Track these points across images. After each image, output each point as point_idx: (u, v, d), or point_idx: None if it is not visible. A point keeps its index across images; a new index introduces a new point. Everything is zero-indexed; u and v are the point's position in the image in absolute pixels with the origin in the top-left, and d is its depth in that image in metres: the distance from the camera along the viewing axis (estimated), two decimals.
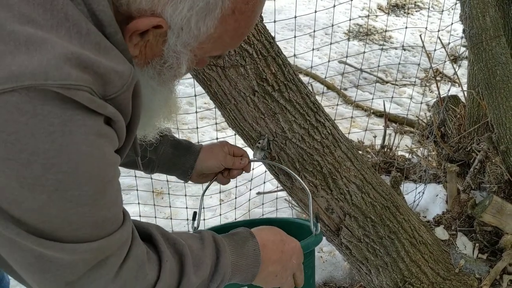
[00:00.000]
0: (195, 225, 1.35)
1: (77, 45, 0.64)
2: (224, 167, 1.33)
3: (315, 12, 2.24)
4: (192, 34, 0.76)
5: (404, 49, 5.31)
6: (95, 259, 0.71)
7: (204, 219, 2.43)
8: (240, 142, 2.68)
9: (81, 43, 0.64)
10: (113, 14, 0.71)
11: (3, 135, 0.59)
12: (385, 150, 2.91)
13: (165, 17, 0.73)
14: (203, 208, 1.43)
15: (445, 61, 3.07)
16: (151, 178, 2.59)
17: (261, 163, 1.50)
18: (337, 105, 3.24)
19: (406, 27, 2.75)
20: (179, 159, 1.29)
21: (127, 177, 2.84)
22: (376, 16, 6.26)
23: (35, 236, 0.64)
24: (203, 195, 1.41)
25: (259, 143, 1.46)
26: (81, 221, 0.67)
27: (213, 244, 0.91)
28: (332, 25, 2.50)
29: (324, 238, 1.72)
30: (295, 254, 1.05)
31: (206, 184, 1.42)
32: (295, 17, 2.07)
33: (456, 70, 2.48)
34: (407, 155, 3.04)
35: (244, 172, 1.36)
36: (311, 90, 1.61)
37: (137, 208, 2.55)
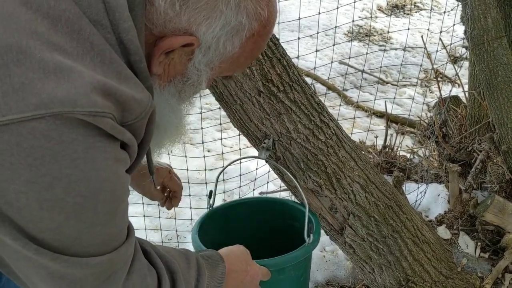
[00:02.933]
0: (211, 202, 1.50)
1: (101, 73, 0.66)
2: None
3: (319, 14, 2.26)
4: (218, 52, 0.79)
5: (404, 50, 5.33)
6: (105, 273, 0.73)
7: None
8: (243, 142, 2.70)
9: (103, 71, 0.67)
10: (144, 39, 0.74)
11: (29, 159, 0.61)
12: (387, 150, 2.93)
13: (198, 35, 0.75)
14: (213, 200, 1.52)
15: (446, 62, 3.09)
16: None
17: (265, 162, 1.53)
18: (340, 105, 3.26)
19: (408, 28, 2.77)
20: None
21: None
22: (376, 17, 6.28)
23: (50, 251, 0.67)
24: (218, 176, 1.52)
25: (264, 143, 1.48)
26: (92, 239, 0.70)
27: (196, 266, 0.96)
28: (336, 27, 2.52)
29: (327, 237, 1.74)
30: (254, 284, 1.14)
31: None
32: (299, 18, 2.09)
33: (458, 71, 2.50)
34: (408, 155, 3.06)
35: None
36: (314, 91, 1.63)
37: (141, 208, 2.56)
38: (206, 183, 2.59)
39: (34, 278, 0.70)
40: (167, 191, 1.41)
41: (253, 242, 1.54)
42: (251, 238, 1.58)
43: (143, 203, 2.54)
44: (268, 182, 2.71)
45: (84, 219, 0.67)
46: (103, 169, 0.66)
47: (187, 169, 2.53)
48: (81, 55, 0.66)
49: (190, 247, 2.49)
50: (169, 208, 1.43)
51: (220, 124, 2.79)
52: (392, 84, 4.71)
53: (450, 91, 2.50)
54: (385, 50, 5.29)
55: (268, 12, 0.79)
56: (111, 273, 0.74)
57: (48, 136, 0.61)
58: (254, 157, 1.53)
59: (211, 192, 1.51)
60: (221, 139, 2.77)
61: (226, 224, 1.57)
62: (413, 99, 3.47)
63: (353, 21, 2.83)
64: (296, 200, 1.66)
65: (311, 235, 1.33)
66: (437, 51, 2.55)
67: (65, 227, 0.66)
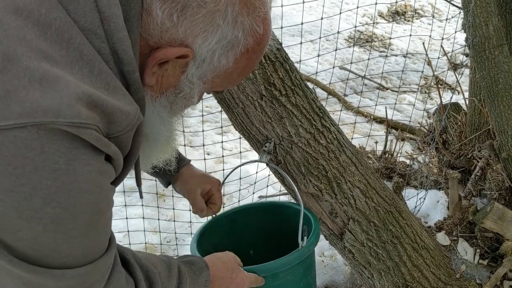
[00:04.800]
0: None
1: (88, 83, 0.66)
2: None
3: (321, 19, 2.27)
4: (212, 66, 0.78)
5: (405, 57, 5.34)
6: (81, 285, 0.72)
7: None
8: (243, 146, 2.70)
9: (92, 81, 0.67)
10: (138, 50, 0.73)
11: (9, 168, 0.61)
12: (387, 156, 2.94)
13: (194, 47, 0.75)
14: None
15: (448, 69, 3.10)
16: (155, 180, 2.61)
17: (265, 166, 1.53)
18: (340, 110, 3.26)
19: (410, 35, 2.77)
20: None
21: (130, 179, 2.84)
22: (377, 23, 6.29)
23: (25, 262, 0.66)
24: (223, 181, 1.53)
25: (265, 146, 1.48)
26: (70, 250, 0.69)
27: (177, 274, 0.96)
28: (338, 32, 2.53)
29: (326, 242, 1.75)
30: None
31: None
32: (302, 23, 2.09)
33: (459, 78, 2.51)
34: (408, 161, 3.07)
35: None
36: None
37: (140, 210, 2.56)
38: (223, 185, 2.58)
39: (10, 287, 0.69)
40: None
41: (261, 247, 1.58)
42: (259, 243, 1.59)
43: (142, 205, 2.55)
44: (267, 186, 2.72)
45: (62, 231, 0.66)
46: (85, 181, 0.65)
47: None
48: (69, 64, 0.65)
49: (189, 250, 2.49)
50: (202, 216, 1.43)
51: (221, 127, 2.79)
52: (392, 90, 4.72)
53: (451, 98, 2.50)
54: (386, 56, 5.30)
55: (264, 29, 0.80)
56: (88, 285, 0.73)
57: (30, 146, 0.61)
58: (256, 161, 1.53)
59: None
60: (222, 142, 2.77)
61: (232, 230, 1.55)
62: (413, 105, 3.48)
63: (355, 27, 2.84)
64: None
65: (305, 238, 1.31)
66: (438, 57, 2.56)
67: (43, 237, 0.65)
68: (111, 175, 0.72)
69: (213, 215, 1.47)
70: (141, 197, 1.04)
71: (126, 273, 0.84)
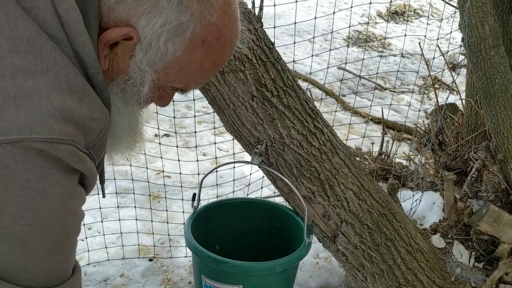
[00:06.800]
0: (195, 204, 1.55)
1: (65, 89, 0.67)
2: None
3: (315, 18, 2.24)
4: (159, 53, 0.77)
5: (403, 57, 5.32)
6: None
7: None
8: (238, 147, 2.68)
9: (68, 86, 0.68)
10: (96, 49, 0.74)
11: None
12: (383, 157, 2.92)
13: (137, 28, 0.74)
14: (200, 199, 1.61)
15: (443, 69, 3.08)
16: (148, 182, 2.59)
17: (258, 168, 1.53)
18: (335, 111, 3.24)
19: (405, 35, 2.75)
20: None
21: (124, 180, 2.84)
22: (376, 23, 6.27)
23: None
24: (203, 179, 1.56)
25: (257, 148, 1.46)
26: (36, 271, 0.69)
27: None
28: (332, 32, 2.51)
29: (320, 244, 1.73)
30: None
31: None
32: (295, 23, 2.07)
33: (455, 78, 2.49)
34: (404, 162, 3.05)
35: None
36: (310, 96, 1.62)
37: (133, 212, 2.54)
38: (200, 186, 2.57)
39: None
40: None
41: (235, 241, 1.69)
42: (232, 238, 1.69)
43: (135, 207, 2.53)
44: (262, 188, 2.70)
45: (29, 249, 0.66)
46: (55, 202, 0.66)
47: (180, 173, 2.51)
48: (45, 72, 0.67)
49: (183, 251, 2.47)
50: None
51: (214, 128, 2.77)
52: (390, 91, 4.70)
53: (447, 98, 2.48)
54: (384, 56, 5.28)
55: (220, 21, 0.77)
56: None
57: (3, 163, 0.62)
58: (246, 162, 1.52)
59: (194, 194, 1.56)
60: (215, 143, 2.75)
61: (206, 224, 1.61)
62: (409, 105, 3.46)
63: (349, 26, 2.82)
64: (283, 203, 1.73)
65: (311, 236, 1.43)
66: (433, 57, 2.54)
67: (9, 255, 0.66)
68: (82, 199, 0.73)
69: (194, 209, 1.56)
70: (104, 196, 1.03)
71: None
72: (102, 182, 0.92)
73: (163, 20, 0.74)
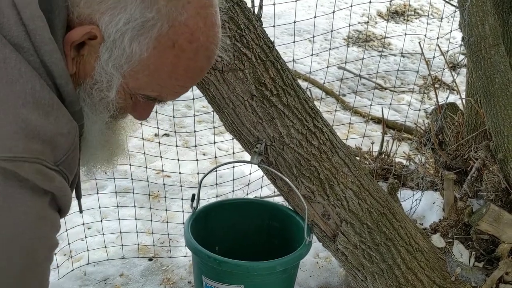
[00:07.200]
0: (195, 205, 1.55)
1: (31, 103, 0.64)
2: None
3: (315, 17, 2.24)
4: (125, 53, 0.72)
5: (403, 56, 5.32)
6: None
7: None
8: (238, 146, 2.68)
9: (35, 99, 0.65)
10: (65, 65, 0.70)
11: None
12: (383, 156, 2.91)
13: (101, 26, 0.70)
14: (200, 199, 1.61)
15: (443, 69, 3.08)
16: (148, 181, 2.58)
17: (257, 167, 1.52)
18: (335, 110, 3.24)
19: (405, 34, 2.75)
20: None
21: (123, 180, 2.84)
22: (376, 22, 6.27)
23: None
24: (202, 179, 1.56)
25: (256, 147, 1.46)
26: None
27: None
28: (332, 31, 2.50)
29: (320, 243, 1.73)
30: None
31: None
32: (294, 22, 2.07)
33: (455, 77, 2.49)
34: (404, 162, 3.04)
35: None
36: (310, 96, 1.61)
37: (133, 211, 2.54)
38: (200, 186, 2.56)
39: None
40: None
41: (235, 242, 1.69)
42: (232, 238, 1.69)
43: (135, 206, 2.52)
44: (262, 187, 2.69)
45: None
46: (20, 223, 0.63)
47: (180, 173, 2.51)
48: (10, 83, 0.64)
49: (182, 251, 2.47)
50: None
51: (214, 127, 2.77)
52: (390, 90, 4.70)
53: (447, 98, 2.48)
54: (384, 55, 5.28)
55: (193, 24, 0.72)
56: None
57: None
58: (246, 162, 1.52)
59: (193, 195, 1.56)
60: (215, 142, 2.74)
61: (206, 225, 1.61)
62: (409, 105, 3.46)
63: (349, 25, 2.81)
64: (282, 203, 1.73)
65: (312, 235, 1.40)
66: (433, 57, 2.53)
67: None
68: (54, 225, 0.69)
69: (194, 209, 1.56)
70: (81, 212, 0.98)
71: None
72: (78, 197, 0.88)
73: (127, 17, 0.69)
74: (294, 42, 2.20)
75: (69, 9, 0.70)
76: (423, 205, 2.44)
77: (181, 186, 2.62)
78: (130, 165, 2.62)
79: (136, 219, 2.50)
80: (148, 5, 0.69)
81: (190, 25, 0.71)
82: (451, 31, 2.36)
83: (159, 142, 2.58)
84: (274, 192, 2.74)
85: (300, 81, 1.52)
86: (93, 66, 0.74)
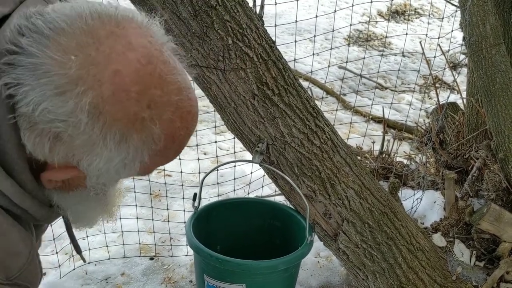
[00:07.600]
0: (196, 204, 1.56)
1: None
2: None
3: (316, 17, 2.24)
4: (113, 178, 0.72)
5: (404, 56, 5.32)
6: None
7: None
8: (239, 146, 2.68)
9: None
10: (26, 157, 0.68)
11: None
12: (384, 156, 2.91)
13: (81, 168, 0.69)
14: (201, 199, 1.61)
15: (444, 68, 3.08)
16: (149, 180, 2.59)
17: (259, 166, 1.53)
18: (336, 110, 3.24)
19: (406, 34, 2.75)
20: None
21: (124, 179, 2.84)
22: (376, 22, 6.27)
23: None
24: (203, 179, 1.55)
25: (258, 147, 1.46)
26: None
27: None
28: (333, 30, 2.50)
29: (321, 243, 1.73)
30: None
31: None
32: (296, 21, 2.07)
33: (456, 77, 2.49)
34: (405, 161, 3.04)
35: None
36: (311, 95, 1.62)
37: (134, 210, 2.54)
38: (201, 186, 2.57)
39: None
40: None
41: (236, 241, 1.69)
42: (233, 238, 1.70)
43: (136, 206, 2.53)
44: (263, 186, 2.70)
45: None
46: None
47: (181, 172, 2.51)
48: None
49: (184, 250, 2.47)
50: None
51: (215, 127, 2.77)
52: (391, 90, 4.70)
53: (448, 97, 2.48)
54: (385, 55, 5.28)
55: (171, 138, 0.70)
56: None
57: None
58: (248, 161, 1.52)
59: (195, 194, 1.57)
60: (216, 142, 2.75)
61: (207, 225, 1.62)
62: (410, 104, 3.46)
63: (350, 25, 2.81)
64: (283, 202, 1.74)
65: (313, 234, 1.41)
66: (434, 57, 2.53)
67: None
68: None
69: (195, 209, 1.57)
70: (84, 261, 0.97)
71: None
72: (79, 251, 0.89)
73: (105, 160, 0.67)
74: (295, 41, 2.21)
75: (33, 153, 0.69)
76: (424, 205, 2.44)
77: (182, 185, 2.63)
78: None
79: (137, 218, 2.51)
80: (121, 147, 0.67)
81: (168, 133, 0.70)
82: (452, 30, 2.36)
83: None
84: (275, 191, 2.75)
85: (301, 81, 1.52)
86: (83, 183, 0.73)
